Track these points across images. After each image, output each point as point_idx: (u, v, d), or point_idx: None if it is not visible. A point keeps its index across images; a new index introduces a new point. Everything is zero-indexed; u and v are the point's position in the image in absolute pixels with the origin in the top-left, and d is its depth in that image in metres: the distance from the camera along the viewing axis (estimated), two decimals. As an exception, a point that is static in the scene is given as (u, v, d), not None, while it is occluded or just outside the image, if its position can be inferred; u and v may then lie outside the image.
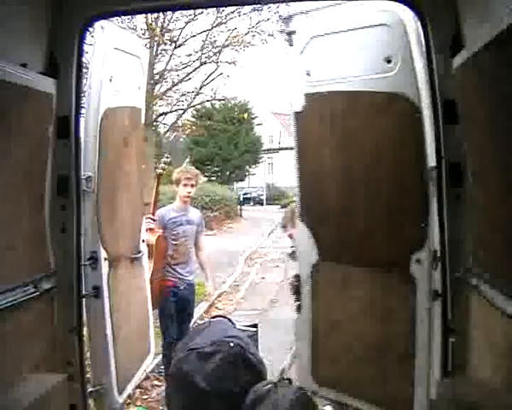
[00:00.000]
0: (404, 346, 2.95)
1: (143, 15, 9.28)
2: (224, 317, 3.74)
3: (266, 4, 10.63)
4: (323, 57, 3.20)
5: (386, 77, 2.93)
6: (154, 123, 11.07)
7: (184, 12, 9.95)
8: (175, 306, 4.52)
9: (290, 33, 3.33)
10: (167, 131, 13.54)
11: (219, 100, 19.42)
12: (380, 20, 2.92)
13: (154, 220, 4.41)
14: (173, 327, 4.48)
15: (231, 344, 2.70)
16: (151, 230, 4.34)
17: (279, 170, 42.71)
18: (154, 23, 9.88)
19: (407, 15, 2.85)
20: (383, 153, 3.00)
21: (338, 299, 3.24)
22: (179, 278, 4.59)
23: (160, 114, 11.76)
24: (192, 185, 4.69)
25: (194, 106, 13.23)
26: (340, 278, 3.23)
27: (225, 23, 11.61)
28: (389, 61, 2.89)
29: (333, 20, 3.17)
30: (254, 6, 11.07)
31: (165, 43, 10.59)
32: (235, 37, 11.60)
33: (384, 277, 3.06)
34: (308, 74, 3.29)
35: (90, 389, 3.15)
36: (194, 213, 4.83)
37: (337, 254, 3.28)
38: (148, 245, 4.17)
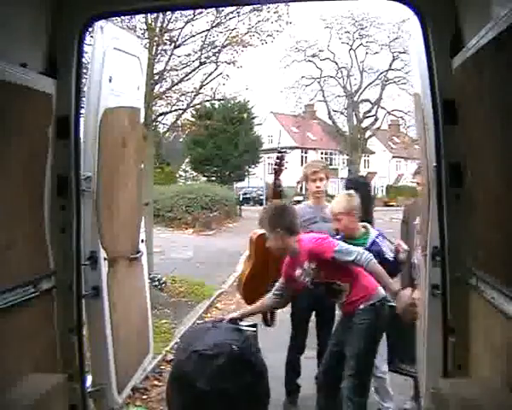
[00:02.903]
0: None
1: (143, 15, 9.28)
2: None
3: (266, 4, 10.63)
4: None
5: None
6: (154, 123, 11.05)
7: (184, 12, 9.95)
8: (309, 310, 4.31)
9: None
10: (167, 130, 13.53)
11: (219, 100, 19.37)
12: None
13: None
14: (303, 334, 4.33)
15: (233, 346, 2.67)
16: None
17: (278, 170, 42.66)
18: (153, 23, 9.88)
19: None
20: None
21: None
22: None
23: (160, 114, 11.73)
24: (321, 179, 4.29)
25: (193, 106, 13.21)
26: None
27: (224, 23, 11.61)
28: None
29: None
30: (253, 6, 11.06)
31: (165, 44, 10.58)
32: (235, 37, 11.59)
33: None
34: None
35: (89, 389, 3.15)
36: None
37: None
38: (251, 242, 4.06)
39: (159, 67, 10.53)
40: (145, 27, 9.85)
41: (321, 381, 3.63)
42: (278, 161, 4.21)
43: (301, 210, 4.25)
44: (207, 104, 27.41)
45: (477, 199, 2.49)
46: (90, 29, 3.08)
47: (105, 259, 3.19)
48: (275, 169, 4.24)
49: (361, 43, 36.66)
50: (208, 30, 11.25)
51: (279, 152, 4.28)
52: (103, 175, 3.16)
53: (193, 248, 14.44)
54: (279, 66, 52.91)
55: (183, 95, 11.78)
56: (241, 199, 29.55)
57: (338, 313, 3.82)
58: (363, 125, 39.07)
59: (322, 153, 46.73)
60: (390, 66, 36.06)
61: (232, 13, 11.27)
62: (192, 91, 11.96)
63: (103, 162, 3.15)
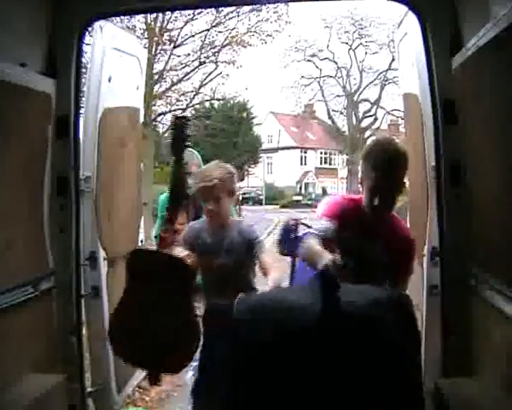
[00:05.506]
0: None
1: (142, 15, 9.29)
2: None
3: (266, 4, 10.65)
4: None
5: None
6: (154, 123, 11.10)
7: (183, 12, 9.96)
8: None
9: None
10: (167, 130, 13.56)
11: (218, 100, 19.38)
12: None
13: None
14: None
15: None
16: None
17: (278, 170, 42.72)
18: (152, 23, 9.89)
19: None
20: None
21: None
22: None
23: (160, 114, 11.78)
24: (216, 199, 2.58)
25: (193, 106, 13.29)
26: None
27: (224, 23, 11.64)
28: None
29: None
30: (253, 6, 11.09)
31: (164, 43, 10.61)
32: (234, 37, 11.62)
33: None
34: None
35: (89, 389, 3.14)
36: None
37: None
38: None
39: (158, 67, 10.54)
40: (145, 27, 9.86)
41: None
42: (175, 131, 2.53)
43: (189, 230, 2.75)
44: (207, 104, 27.42)
45: (477, 199, 2.49)
46: (90, 29, 3.08)
47: (104, 259, 3.19)
48: (173, 145, 2.52)
49: (360, 43, 36.61)
50: (208, 30, 11.27)
51: (176, 118, 2.59)
52: (103, 175, 3.16)
53: (192, 248, 14.40)
54: (279, 65, 52.86)
55: (183, 95, 11.80)
56: (240, 199, 29.49)
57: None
58: (363, 124, 39.02)
59: (321, 153, 46.74)
60: (389, 66, 35.99)
61: (232, 13, 11.29)
62: (191, 91, 11.99)
63: (103, 162, 3.14)
